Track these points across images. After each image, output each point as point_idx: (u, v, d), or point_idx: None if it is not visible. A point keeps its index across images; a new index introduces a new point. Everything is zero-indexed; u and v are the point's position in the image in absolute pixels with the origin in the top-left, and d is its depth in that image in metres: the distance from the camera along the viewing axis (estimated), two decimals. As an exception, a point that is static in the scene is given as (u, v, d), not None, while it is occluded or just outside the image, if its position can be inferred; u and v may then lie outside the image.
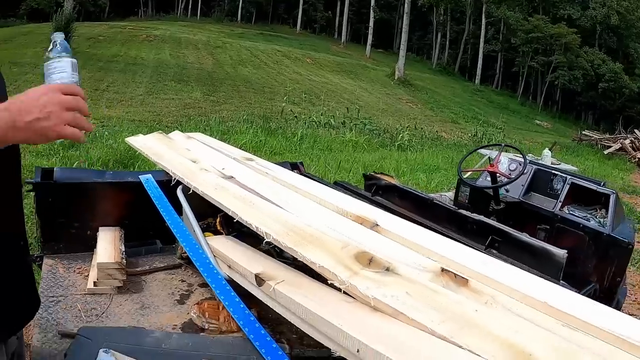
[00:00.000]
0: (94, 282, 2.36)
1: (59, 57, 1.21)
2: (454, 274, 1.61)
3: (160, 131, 3.63)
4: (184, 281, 2.54)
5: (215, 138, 3.75)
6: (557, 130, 36.27)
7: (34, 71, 18.09)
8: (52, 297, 2.26)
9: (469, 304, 1.46)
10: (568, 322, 1.42)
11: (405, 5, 36.46)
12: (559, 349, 1.29)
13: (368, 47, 47.86)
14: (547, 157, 8.50)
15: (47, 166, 4.51)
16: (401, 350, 1.26)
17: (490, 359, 1.22)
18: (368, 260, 1.65)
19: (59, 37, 1.25)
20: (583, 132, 29.42)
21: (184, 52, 29.32)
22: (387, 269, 1.62)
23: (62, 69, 1.20)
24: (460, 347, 1.27)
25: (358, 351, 1.32)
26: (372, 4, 47.84)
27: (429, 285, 1.55)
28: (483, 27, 50.27)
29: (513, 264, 1.94)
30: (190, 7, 64.34)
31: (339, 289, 1.56)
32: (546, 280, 1.71)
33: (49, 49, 1.22)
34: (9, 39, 26.54)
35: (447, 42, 57.97)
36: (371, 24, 47.52)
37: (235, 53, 31.95)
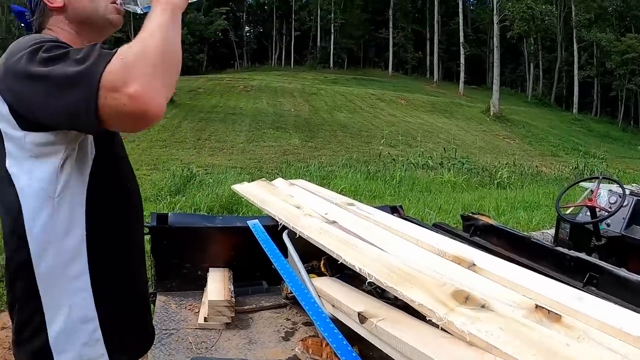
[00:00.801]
0: (205, 318, 2.54)
1: None
2: (548, 310, 1.63)
3: (263, 178, 3.82)
4: (289, 320, 2.67)
5: (315, 183, 3.90)
6: (664, 155, 34.19)
7: (140, 123, 19.31)
8: (165, 330, 2.46)
9: (560, 339, 1.48)
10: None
11: (495, 39, 36.07)
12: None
13: (461, 84, 47.32)
14: (653, 187, 8.06)
15: (155, 211, 4.81)
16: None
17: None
18: (464, 298, 1.71)
19: None
20: (694, 155, 27.46)
21: (281, 100, 30.17)
22: (483, 306, 1.67)
23: None
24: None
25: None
26: (461, 40, 47.35)
27: (522, 321, 1.59)
28: (575, 53, 48.20)
29: (612, 301, 1.93)
30: (283, 56, 66.48)
31: (436, 325, 1.63)
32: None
33: None
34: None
35: (541, 72, 55.83)
36: (462, 60, 46.83)
37: (330, 99, 32.51)
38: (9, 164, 1.27)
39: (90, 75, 1.09)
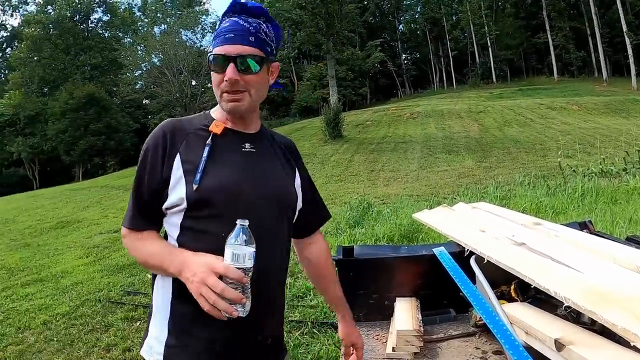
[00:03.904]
0: (393, 348, 2.57)
1: (239, 245, 1.42)
2: None
3: (444, 204, 3.81)
4: (478, 348, 2.61)
5: (494, 204, 3.81)
6: None
7: (313, 160, 20.44)
8: (355, 360, 2.53)
9: None
10: None
11: (661, 21, 32.63)
12: None
13: (633, 78, 43.26)
14: None
15: (337, 244, 4.92)
16: None
17: None
18: (673, 321, 1.58)
19: (244, 223, 1.44)
20: None
21: (448, 123, 29.89)
22: (695, 330, 1.54)
23: (235, 257, 1.42)
24: None
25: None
26: (624, 30, 43.32)
27: None
28: None
29: None
30: (444, 78, 66.05)
31: (641, 352, 1.53)
32: None
33: (234, 233, 1.43)
34: (287, 134, 29.94)
35: None
36: (630, 51, 42.85)
37: (498, 115, 31.59)
38: None
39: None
